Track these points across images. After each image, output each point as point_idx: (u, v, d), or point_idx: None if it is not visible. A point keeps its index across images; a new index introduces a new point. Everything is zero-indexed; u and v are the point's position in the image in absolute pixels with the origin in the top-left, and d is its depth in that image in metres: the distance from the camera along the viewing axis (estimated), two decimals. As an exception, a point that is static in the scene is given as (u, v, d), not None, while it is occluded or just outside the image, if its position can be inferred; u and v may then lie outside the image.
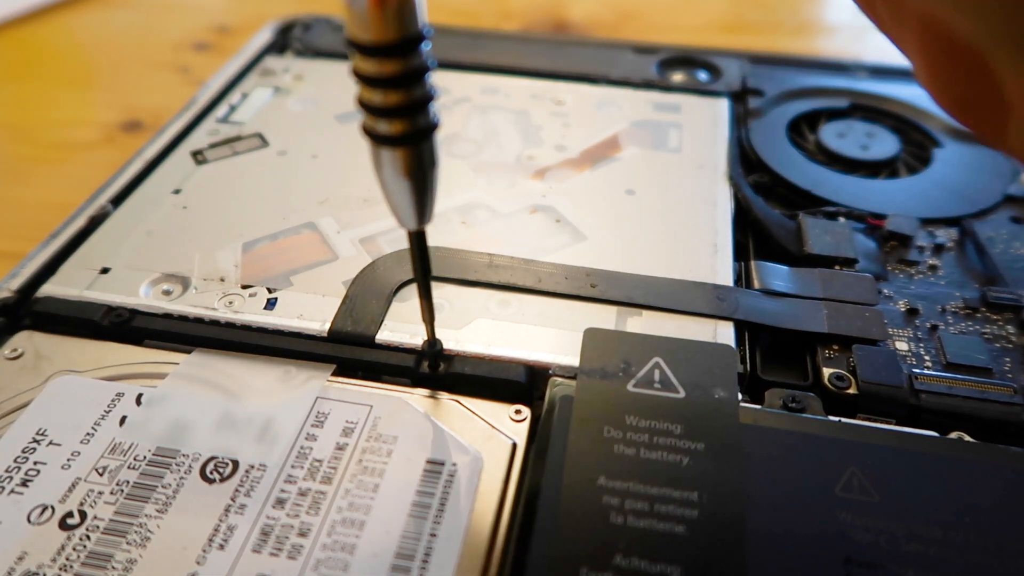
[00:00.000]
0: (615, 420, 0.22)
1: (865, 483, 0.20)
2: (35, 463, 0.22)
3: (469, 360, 0.25)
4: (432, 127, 0.18)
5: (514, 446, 0.22)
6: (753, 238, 0.31)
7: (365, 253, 0.29)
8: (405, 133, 0.17)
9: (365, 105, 0.17)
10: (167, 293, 0.27)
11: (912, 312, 0.28)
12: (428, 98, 0.17)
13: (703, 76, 0.43)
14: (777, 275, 0.29)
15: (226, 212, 0.31)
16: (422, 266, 0.21)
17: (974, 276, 0.30)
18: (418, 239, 0.21)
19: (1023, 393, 0.24)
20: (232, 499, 0.21)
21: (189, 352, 0.25)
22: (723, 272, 0.29)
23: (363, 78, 0.17)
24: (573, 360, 0.24)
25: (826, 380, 0.25)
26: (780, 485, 0.20)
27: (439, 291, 0.27)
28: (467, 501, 0.21)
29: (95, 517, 0.20)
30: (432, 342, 0.24)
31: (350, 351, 0.25)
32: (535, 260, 0.29)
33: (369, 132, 0.17)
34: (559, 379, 0.24)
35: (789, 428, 0.22)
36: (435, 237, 0.29)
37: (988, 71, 0.14)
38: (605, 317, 0.27)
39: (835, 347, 0.26)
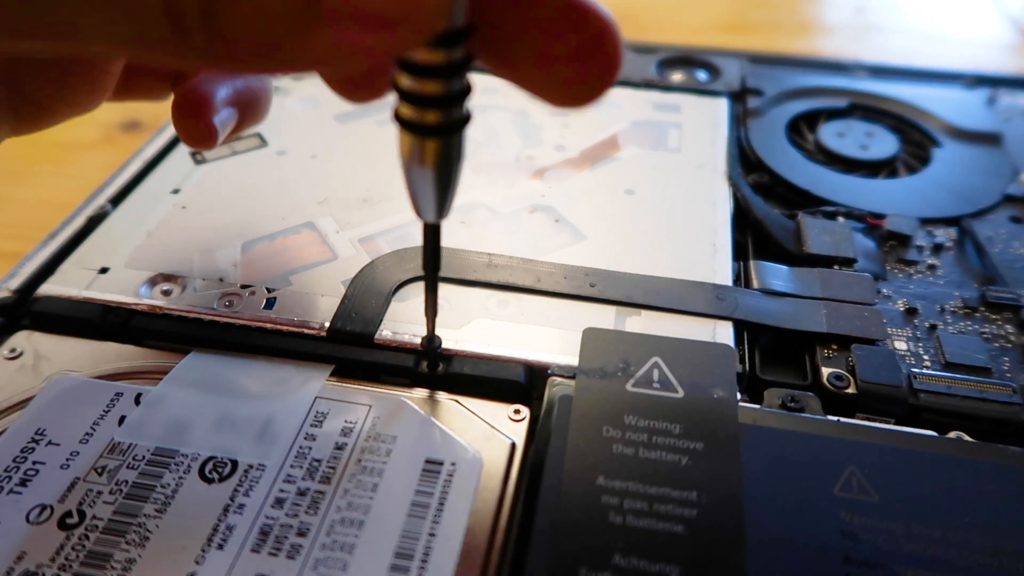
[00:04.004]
0: (614, 420, 0.22)
1: (864, 482, 0.20)
2: (34, 463, 0.22)
3: (468, 360, 0.25)
4: (465, 120, 0.18)
5: (513, 446, 0.22)
6: (752, 238, 0.31)
7: (364, 253, 0.29)
8: (439, 124, 0.17)
9: (402, 92, 0.17)
10: (166, 293, 0.27)
11: (911, 312, 0.28)
12: (465, 91, 0.17)
13: (702, 76, 0.43)
14: (776, 275, 0.29)
15: (225, 212, 0.31)
16: (433, 260, 0.21)
17: (973, 276, 0.30)
18: (433, 232, 0.21)
19: (1022, 392, 0.24)
20: (231, 499, 0.21)
21: (188, 352, 0.25)
22: (722, 272, 0.29)
23: (404, 65, 0.17)
24: (572, 360, 0.24)
25: (825, 380, 0.25)
26: (779, 485, 0.20)
27: (439, 291, 0.27)
28: (466, 501, 0.21)
29: (94, 517, 0.20)
30: (431, 338, 0.24)
31: (349, 351, 0.25)
32: (534, 260, 0.29)
33: (402, 120, 0.17)
34: (558, 379, 0.24)
35: (788, 428, 0.22)
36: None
37: None
38: (604, 317, 0.27)
39: (834, 347, 0.26)
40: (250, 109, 0.25)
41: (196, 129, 0.23)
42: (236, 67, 0.14)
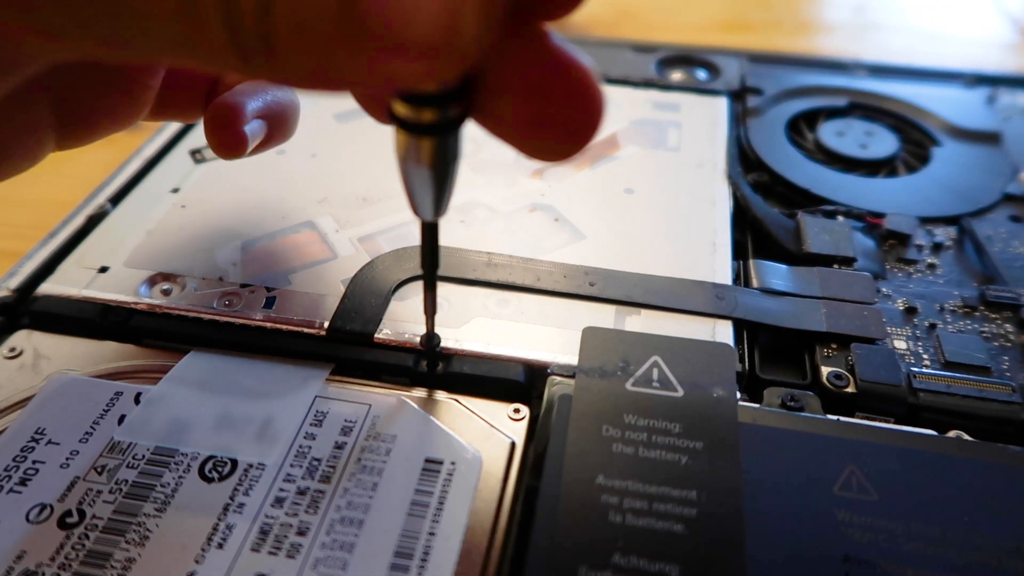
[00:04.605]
0: (614, 419, 0.22)
1: (864, 482, 0.20)
2: (34, 462, 0.22)
3: (468, 359, 0.25)
4: (462, 118, 0.18)
5: (513, 445, 0.22)
6: (752, 237, 0.31)
7: (364, 252, 0.29)
8: (436, 122, 0.17)
9: (398, 91, 0.17)
10: (166, 292, 0.27)
11: (911, 311, 0.28)
12: (463, 89, 0.17)
13: (702, 75, 0.43)
14: (776, 274, 0.29)
15: (225, 211, 0.31)
16: (431, 259, 0.21)
17: (973, 275, 0.30)
18: (431, 231, 0.21)
19: (1021, 392, 0.24)
20: (231, 498, 0.21)
21: (188, 351, 0.25)
22: (722, 271, 0.29)
23: None
24: (572, 359, 0.24)
25: (825, 379, 0.25)
26: (779, 484, 0.20)
27: (438, 289, 0.27)
28: (466, 500, 0.21)
29: (94, 516, 0.20)
30: (431, 336, 0.24)
31: (349, 350, 0.25)
32: (534, 259, 0.29)
33: (398, 118, 0.17)
34: (558, 378, 0.24)
35: (788, 427, 0.22)
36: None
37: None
38: (604, 316, 0.27)
39: (834, 346, 0.26)
40: (279, 124, 0.26)
41: (227, 137, 0.24)
42: (290, 83, 0.15)
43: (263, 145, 0.26)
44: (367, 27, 0.13)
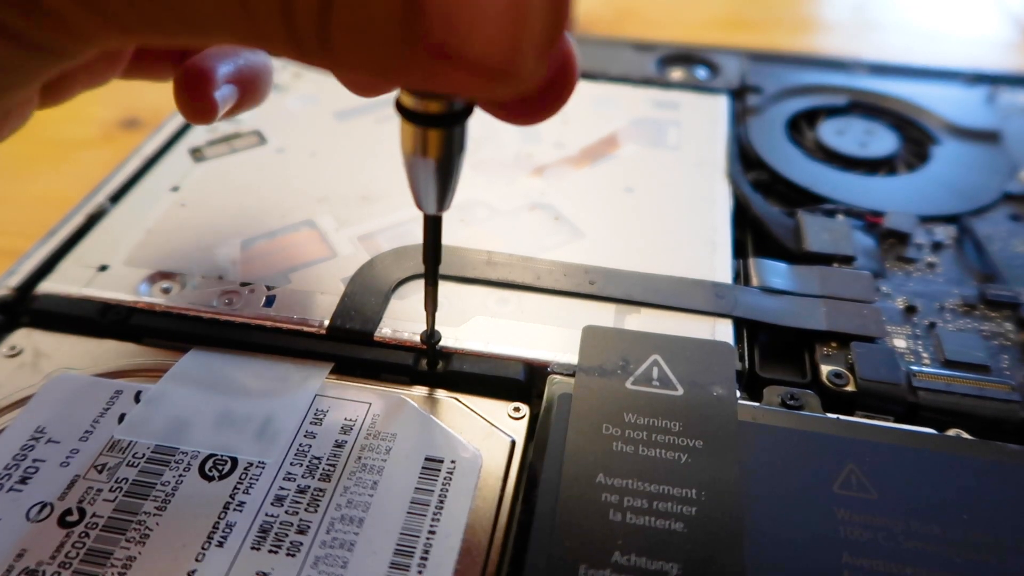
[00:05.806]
0: (614, 418, 0.22)
1: (863, 480, 0.20)
2: (34, 460, 0.22)
3: (468, 358, 0.25)
4: (468, 110, 0.18)
5: (513, 444, 0.22)
6: (752, 235, 0.32)
7: (363, 250, 0.29)
8: (442, 114, 0.17)
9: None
10: (165, 291, 0.27)
11: (910, 309, 0.28)
12: None
13: (702, 73, 0.43)
14: (776, 272, 0.29)
15: (224, 209, 0.31)
16: (433, 253, 0.21)
17: (972, 273, 0.30)
18: (434, 224, 0.21)
19: (1021, 390, 0.24)
20: (231, 496, 0.21)
21: (187, 350, 0.25)
22: (722, 269, 0.29)
23: None
24: (572, 358, 0.24)
25: (824, 377, 0.25)
26: (778, 482, 0.20)
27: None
28: (466, 499, 0.21)
29: (94, 514, 0.20)
30: (432, 332, 0.24)
31: (349, 349, 0.25)
32: (534, 257, 0.29)
33: (404, 110, 0.17)
34: (558, 377, 0.24)
35: (787, 425, 0.22)
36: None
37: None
38: (604, 314, 0.27)
39: (833, 344, 0.26)
40: (251, 89, 0.25)
41: (197, 102, 0.23)
42: (348, 73, 0.15)
43: (235, 109, 0.25)
44: (432, 36, 0.13)
